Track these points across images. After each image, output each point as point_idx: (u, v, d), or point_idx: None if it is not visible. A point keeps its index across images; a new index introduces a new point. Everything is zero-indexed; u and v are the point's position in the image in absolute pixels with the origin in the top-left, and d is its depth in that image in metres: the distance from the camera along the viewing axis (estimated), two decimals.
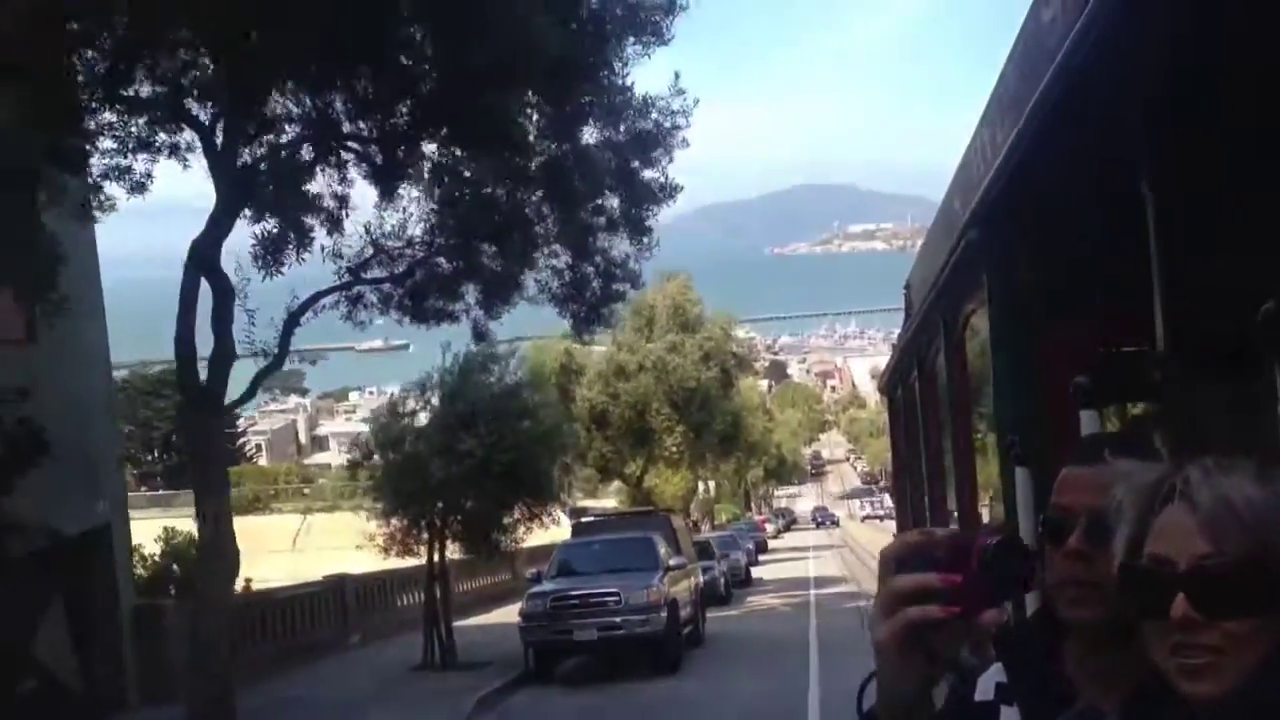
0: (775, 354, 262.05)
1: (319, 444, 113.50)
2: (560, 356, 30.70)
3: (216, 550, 11.56)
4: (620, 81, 12.58)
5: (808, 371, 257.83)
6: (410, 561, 21.25)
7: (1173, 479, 1.40)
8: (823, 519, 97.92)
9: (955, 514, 5.70)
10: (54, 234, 10.48)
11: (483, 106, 10.23)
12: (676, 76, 13.32)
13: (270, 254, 12.02)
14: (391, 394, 23.60)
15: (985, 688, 1.90)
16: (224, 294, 11.51)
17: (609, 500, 36.57)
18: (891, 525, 77.34)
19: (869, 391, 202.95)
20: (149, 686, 16.82)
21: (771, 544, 60.39)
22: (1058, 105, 2.74)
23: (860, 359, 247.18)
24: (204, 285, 11.86)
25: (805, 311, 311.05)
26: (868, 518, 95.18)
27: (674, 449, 36.89)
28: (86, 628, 16.06)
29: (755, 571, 40.74)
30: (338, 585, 23.24)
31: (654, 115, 13.37)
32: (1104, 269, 3.61)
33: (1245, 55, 2.49)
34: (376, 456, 19.06)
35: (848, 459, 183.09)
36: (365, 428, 23.69)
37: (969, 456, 5.23)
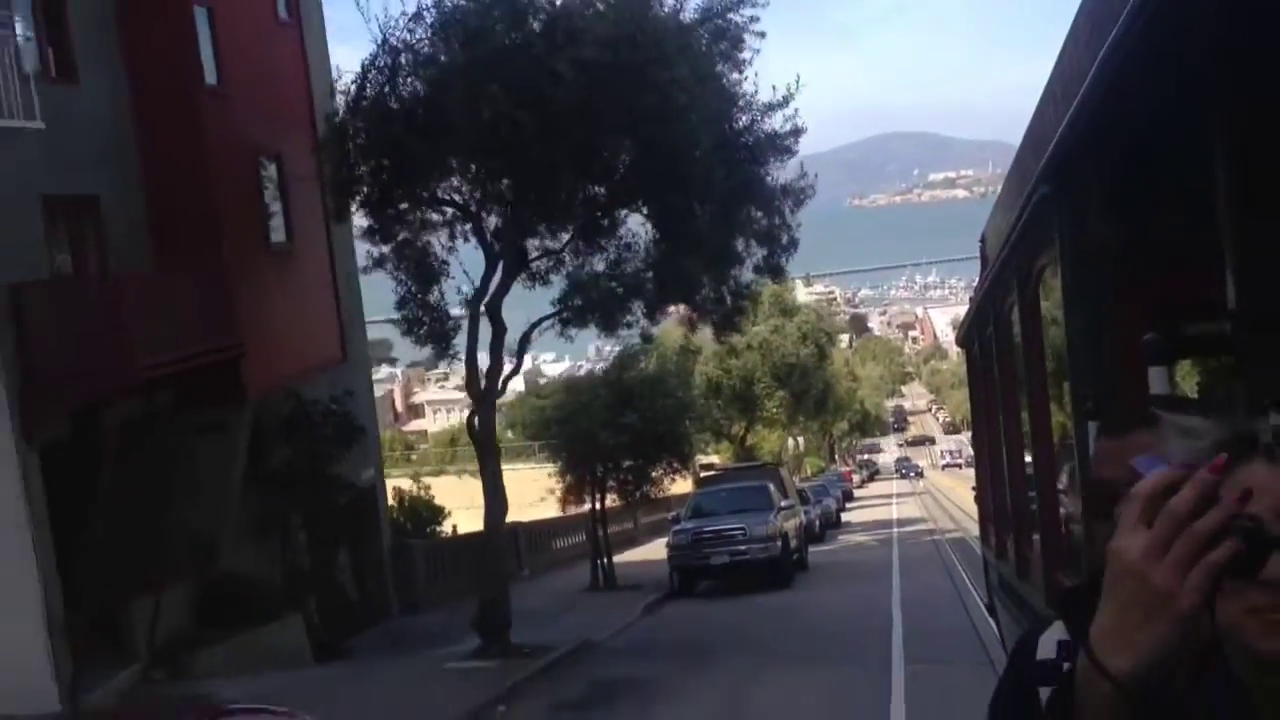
0: (855, 308, 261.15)
1: (415, 411, 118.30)
2: (680, 339, 36.64)
3: (496, 497, 17.47)
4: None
5: (889, 324, 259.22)
6: (570, 511, 27.42)
7: (1253, 434, 1.36)
8: (906, 470, 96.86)
9: (1031, 467, 5.82)
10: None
11: (672, 203, 15.69)
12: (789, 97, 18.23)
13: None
14: (563, 376, 29.85)
15: (1047, 647, 1.85)
16: (499, 332, 17.32)
17: (716, 457, 42.66)
18: (969, 472, 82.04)
19: (950, 342, 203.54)
20: (404, 599, 23.22)
21: (857, 493, 65.91)
22: (1130, 58, 2.68)
23: (942, 309, 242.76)
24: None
25: (885, 263, 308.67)
26: (947, 465, 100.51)
27: (774, 411, 43.15)
28: (364, 557, 22.41)
29: (844, 516, 46.52)
30: (513, 530, 29.54)
31: (773, 130, 18.31)
32: (1177, 224, 3.55)
33: None
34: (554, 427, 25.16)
35: (929, 409, 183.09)
36: (459, 394, 29.76)
37: (1044, 409, 5.23)
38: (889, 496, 62.51)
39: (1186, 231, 3.38)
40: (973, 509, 43.84)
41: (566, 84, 12.70)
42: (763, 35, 16.04)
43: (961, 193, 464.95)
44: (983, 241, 7.41)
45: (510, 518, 30.30)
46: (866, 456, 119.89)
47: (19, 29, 13.15)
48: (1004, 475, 7.23)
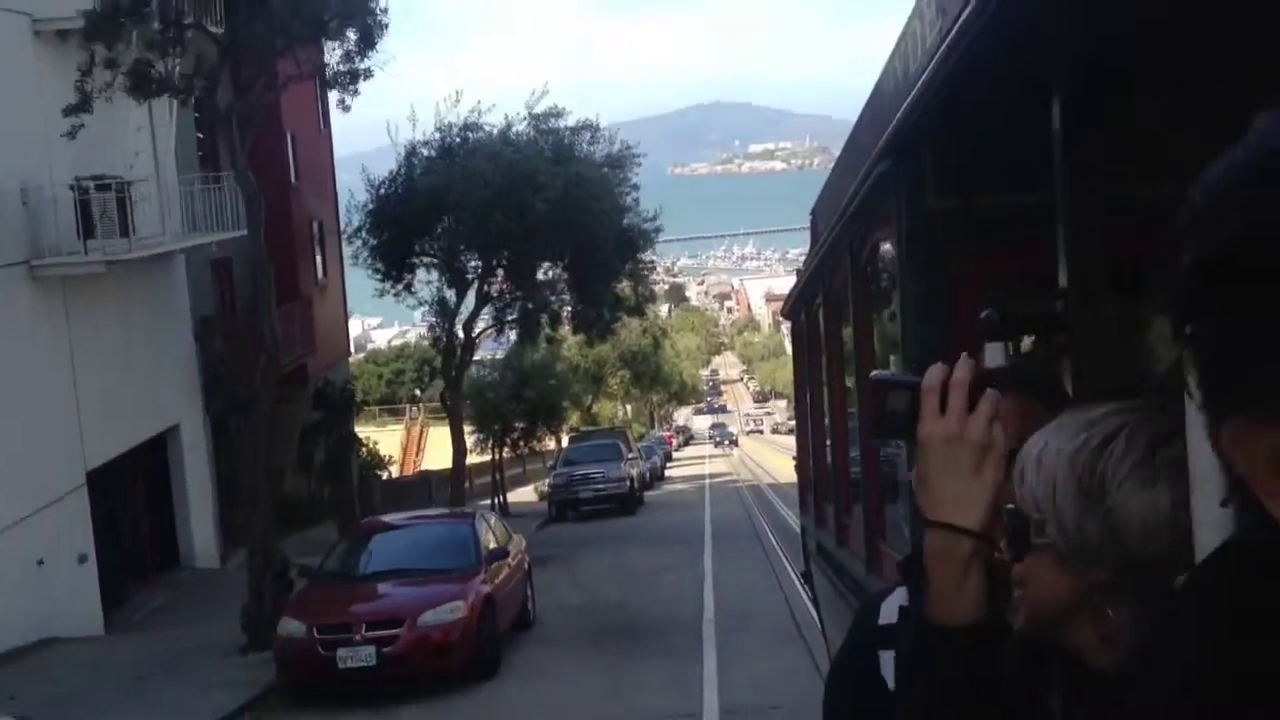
0: (674, 276, 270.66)
1: None
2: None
3: (459, 450, 27.75)
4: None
5: (706, 293, 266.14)
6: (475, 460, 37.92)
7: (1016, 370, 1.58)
8: (721, 437, 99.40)
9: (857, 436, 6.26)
10: None
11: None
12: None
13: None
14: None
15: (889, 611, 1.95)
16: (469, 344, 27.60)
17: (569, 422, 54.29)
18: (772, 438, 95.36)
19: (763, 314, 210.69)
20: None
21: (675, 455, 77.96)
22: (973, 40, 2.77)
23: (757, 280, 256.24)
24: None
25: (705, 233, 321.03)
26: (750, 431, 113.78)
27: (615, 387, 54.64)
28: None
29: (667, 472, 58.06)
30: (425, 476, 39.66)
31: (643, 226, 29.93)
32: (1014, 202, 3.70)
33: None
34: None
35: (741, 379, 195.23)
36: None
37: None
38: (703, 458, 74.66)
39: (1023, 209, 3.50)
40: (767, 464, 58.10)
41: (540, 212, 23.28)
42: (639, 162, 26.85)
43: (780, 164, 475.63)
44: (814, 215, 7.59)
45: (429, 465, 40.48)
46: (683, 423, 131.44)
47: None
48: (825, 446, 7.53)
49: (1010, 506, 1.38)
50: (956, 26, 2.78)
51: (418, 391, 57.27)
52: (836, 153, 6.60)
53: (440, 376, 27.46)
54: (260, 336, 18.12)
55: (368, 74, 16.73)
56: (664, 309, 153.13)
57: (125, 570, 19.67)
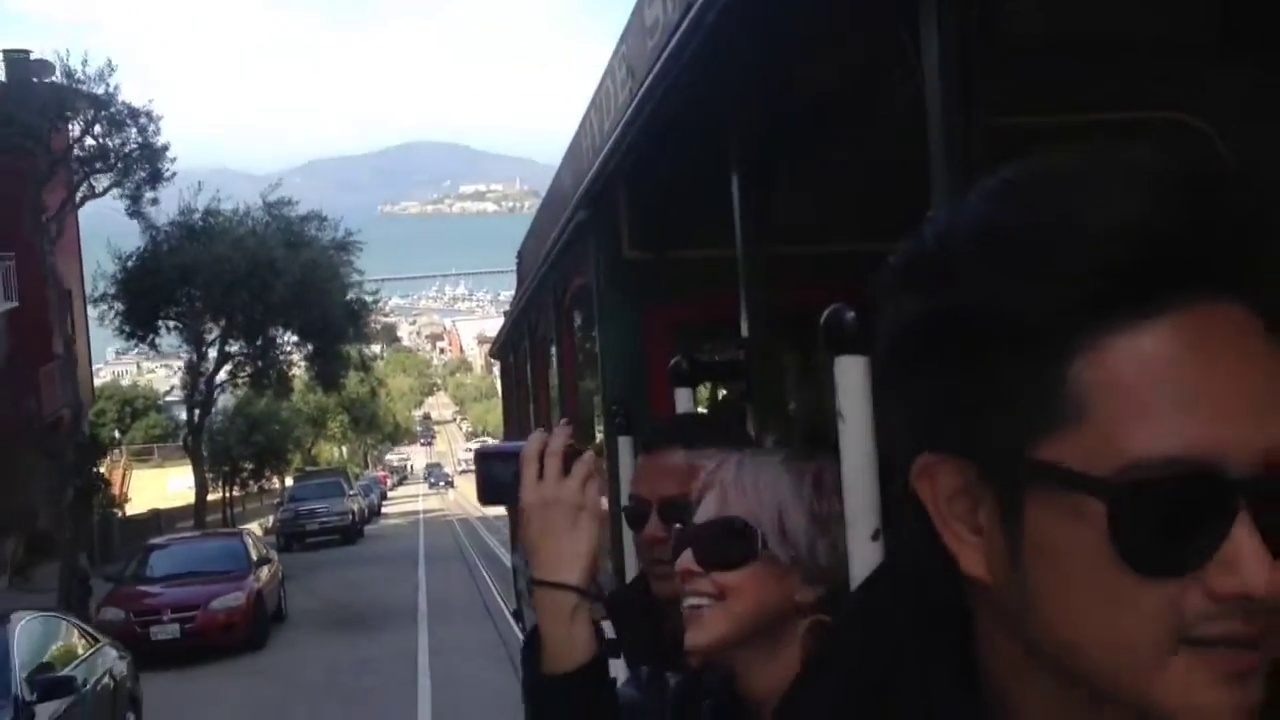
0: (386, 316, 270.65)
1: None
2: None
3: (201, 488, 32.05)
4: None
5: (418, 333, 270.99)
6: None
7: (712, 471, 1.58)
8: (436, 478, 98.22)
9: None
10: None
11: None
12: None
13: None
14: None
15: None
16: (210, 399, 32.09)
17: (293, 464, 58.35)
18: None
19: (475, 355, 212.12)
20: None
21: (390, 494, 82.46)
22: (662, 101, 3.02)
23: (469, 321, 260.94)
24: None
25: (416, 273, 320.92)
26: (464, 471, 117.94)
27: (335, 430, 59.21)
28: None
29: (384, 508, 62.76)
30: (156, 513, 43.09)
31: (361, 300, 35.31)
32: (704, 250, 3.98)
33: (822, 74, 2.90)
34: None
35: (454, 420, 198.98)
36: None
37: (575, 418, 5.58)
38: (417, 496, 79.51)
39: (709, 259, 3.77)
40: (476, 501, 65.52)
41: (279, 291, 28.31)
42: (360, 247, 32.30)
43: (491, 205, 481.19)
44: (520, 257, 7.88)
45: (141, 505, 43.83)
46: (396, 462, 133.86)
47: None
48: None
49: (726, 517, 1.48)
50: (643, 89, 3.08)
51: (117, 433, 59.08)
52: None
53: (186, 425, 31.86)
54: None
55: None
56: (376, 348, 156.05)
57: None
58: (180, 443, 40.36)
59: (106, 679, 10.42)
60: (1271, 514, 0.67)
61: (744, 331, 3.17)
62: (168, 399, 40.06)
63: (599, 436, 4.94)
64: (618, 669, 1.97)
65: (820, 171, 3.51)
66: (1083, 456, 0.68)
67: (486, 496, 1.67)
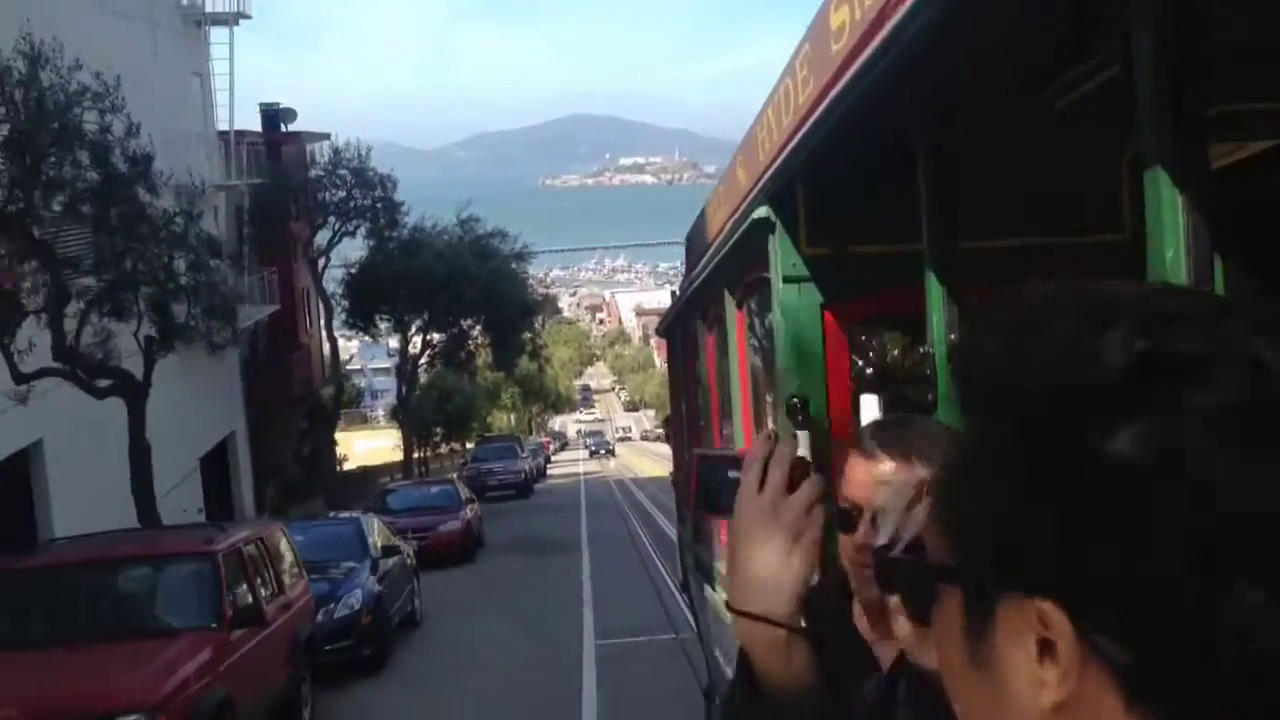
0: (547, 288, 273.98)
1: None
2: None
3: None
4: None
5: (578, 305, 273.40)
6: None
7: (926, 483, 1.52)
8: (597, 445, 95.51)
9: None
10: None
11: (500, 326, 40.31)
12: None
13: None
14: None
15: None
16: (415, 377, 40.44)
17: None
18: (642, 444, 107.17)
19: (634, 327, 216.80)
20: None
21: (555, 458, 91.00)
22: (843, 100, 3.03)
23: (627, 293, 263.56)
24: None
25: (576, 245, 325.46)
26: (622, 439, 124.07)
27: (507, 402, 68.13)
28: None
29: (549, 470, 71.07)
30: (365, 470, 51.84)
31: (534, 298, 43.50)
32: (884, 246, 4.00)
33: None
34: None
35: (613, 389, 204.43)
36: None
37: (749, 411, 5.80)
38: (578, 460, 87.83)
39: (887, 254, 3.84)
40: (633, 463, 72.95)
41: (471, 294, 36.20)
42: (534, 255, 39.95)
43: (649, 178, 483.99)
44: (689, 242, 7.96)
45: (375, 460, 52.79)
46: (558, 428, 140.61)
47: None
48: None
49: (936, 566, 1.27)
50: (832, 96, 3.10)
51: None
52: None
53: (396, 396, 40.48)
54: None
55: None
56: (538, 321, 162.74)
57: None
58: (367, 410, 48.97)
59: (407, 558, 17.99)
60: None
61: (931, 331, 3.17)
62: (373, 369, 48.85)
63: (771, 425, 5.02)
64: None
65: (1000, 167, 3.65)
66: None
67: (704, 504, 1.52)
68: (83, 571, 9.96)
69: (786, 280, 4.36)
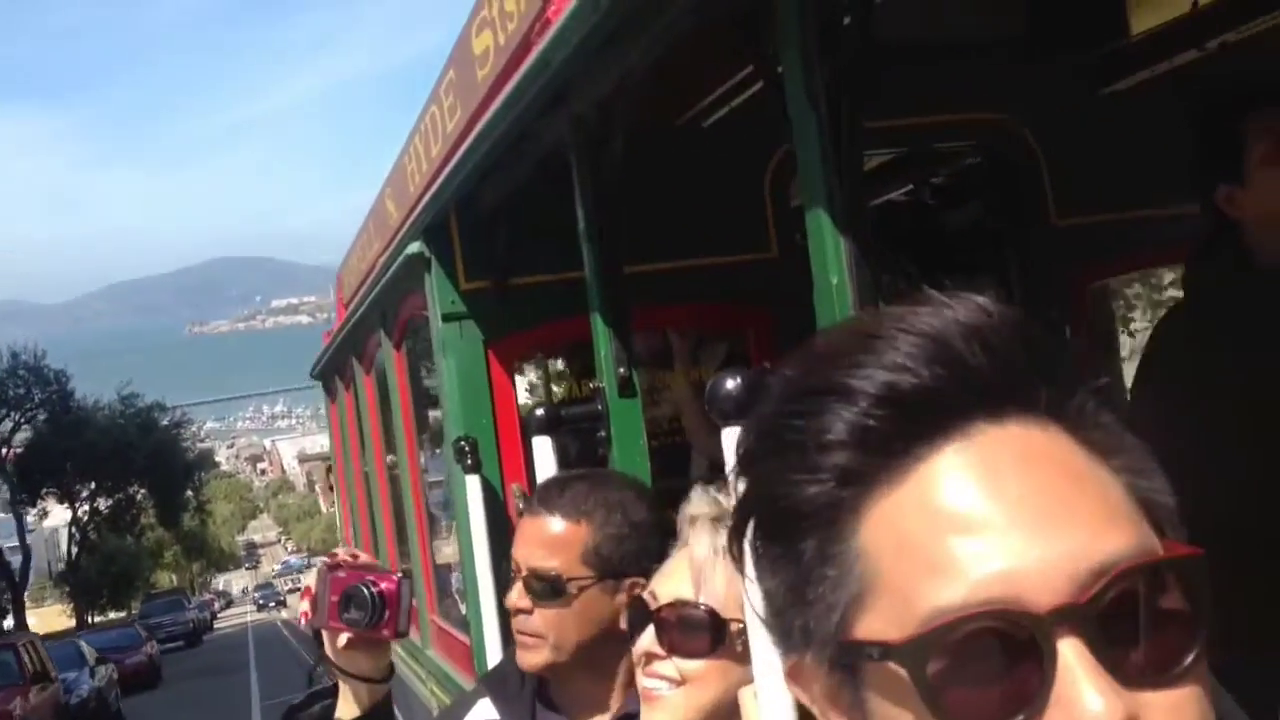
0: (202, 441, 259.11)
1: None
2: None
3: None
4: None
5: (237, 456, 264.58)
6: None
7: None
8: (266, 598, 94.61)
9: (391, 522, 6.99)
10: None
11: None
12: None
13: None
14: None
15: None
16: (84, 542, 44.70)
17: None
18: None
19: (297, 474, 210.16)
20: None
21: (221, 614, 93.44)
22: (494, 127, 3.14)
23: (288, 439, 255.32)
24: None
25: (229, 394, 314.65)
26: (290, 591, 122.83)
27: (170, 560, 72.19)
28: None
29: (215, 624, 74.80)
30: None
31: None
32: (545, 275, 4.05)
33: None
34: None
35: (279, 541, 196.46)
36: None
37: (410, 451, 5.81)
38: (244, 613, 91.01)
39: (550, 284, 3.95)
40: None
41: (137, 468, 41.99)
42: (192, 422, 46.05)
43: (305, 318, 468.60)
44: (339, 282, 8.02)
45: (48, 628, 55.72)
46: (222, 587, 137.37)
47: None
48: (374, 533, 7.90)
49: (699, 604, 1.47)
50: (484, 120, 3.21)
51: None
52: None
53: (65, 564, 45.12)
54: None
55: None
56: (197, 477, 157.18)
57: None
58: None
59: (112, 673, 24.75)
60: (1100, 633, 0.63)
61: (600, 364, 3.17)
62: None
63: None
64: None
65: (656, 188, 3.73)
66: (886, 626, 0.66)
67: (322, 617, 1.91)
68: None
69: (446, 319, 4.29)
